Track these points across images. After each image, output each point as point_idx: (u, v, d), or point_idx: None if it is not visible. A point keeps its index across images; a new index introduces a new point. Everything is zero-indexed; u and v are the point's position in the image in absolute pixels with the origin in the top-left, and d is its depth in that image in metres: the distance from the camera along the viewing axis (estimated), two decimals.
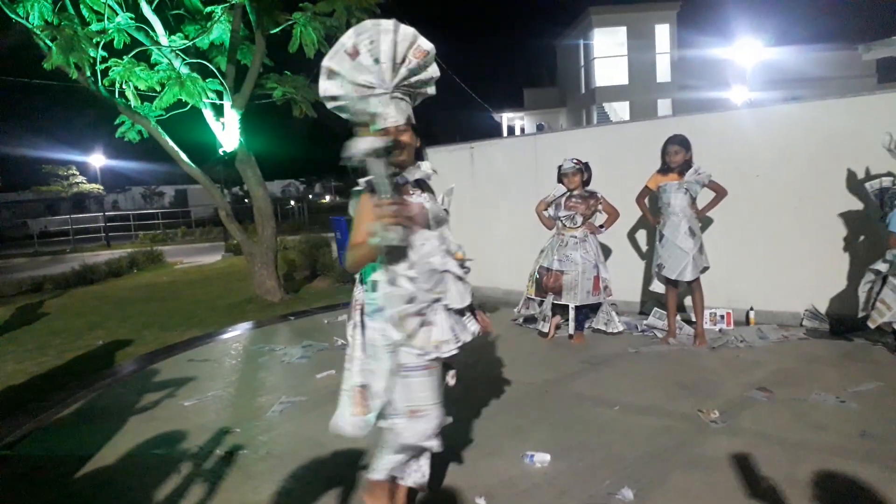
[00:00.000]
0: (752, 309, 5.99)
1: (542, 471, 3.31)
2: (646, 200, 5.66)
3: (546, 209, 5.81)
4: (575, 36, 28.56)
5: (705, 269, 5.38)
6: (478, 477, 3.26)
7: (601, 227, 5.71)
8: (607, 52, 26.66)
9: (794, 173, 5.84)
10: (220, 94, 8.44)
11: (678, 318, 5.80)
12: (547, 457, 3.41)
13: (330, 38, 8.14)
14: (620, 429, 3.80)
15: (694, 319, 5.64)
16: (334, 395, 4.66)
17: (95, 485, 3.47)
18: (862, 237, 5.52)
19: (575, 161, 5.64)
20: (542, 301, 5.85)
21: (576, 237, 5.63)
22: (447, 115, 37.10)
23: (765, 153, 5.96)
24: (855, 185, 5.52)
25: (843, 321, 5.50)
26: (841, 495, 2.89)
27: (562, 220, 5.69)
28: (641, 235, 6.80)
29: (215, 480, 3.38)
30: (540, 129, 27.68)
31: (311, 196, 49.73)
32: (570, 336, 5.80)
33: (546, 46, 33.95)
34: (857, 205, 5.54)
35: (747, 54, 21.58)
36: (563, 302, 5.68)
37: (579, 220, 5.62)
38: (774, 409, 3.97)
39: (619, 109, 27.03)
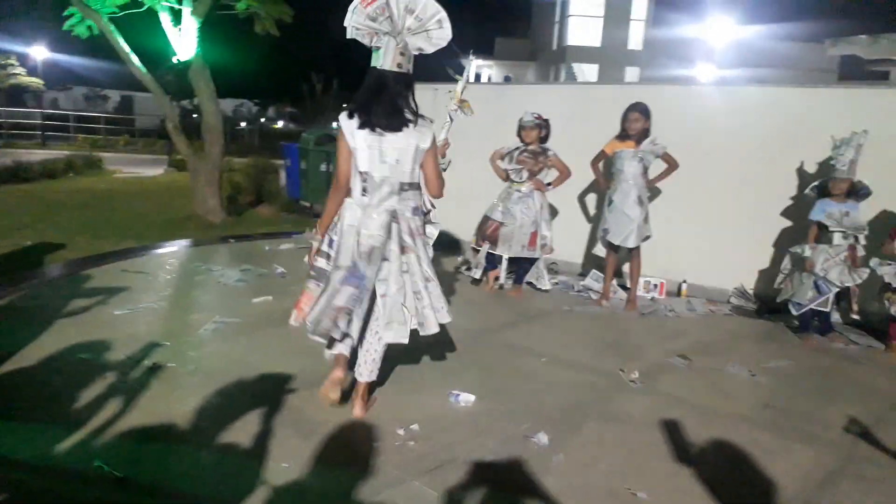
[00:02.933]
0: (684, 281, 6.22)
1: (466, 410, 3.43)
2: (600, 165, 5.74)
3: (500, 160, 5.83)
4: None
5: (647, 237, 5.54)
6: (403, 410, 3.34)
7: (549, 184, 5.77)
8: (583, 10, 26.39)
9: (742, 155, 6.00)
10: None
11: (614, 282, 5.98)
12: (471, 397, 3.52)
13: None
14: (545, 379, 3.95)
15: (629, 285, 5.83)
16: (269, 319, 4.70)
17: (17, 382, 3.41)
18: (796, 225, 5.74)
19: (536, 115, 5.65)
20: (480, 249, 5.95)
21: (521, 191, 5.70)
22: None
23: (720, 132, 6.09)
24: (799, 174, 5.71)
25: (767, 302, 5.78)
26: (738, 458, 3.10)
27: (510, 174, 5.74)
28: (591, 199, 6.91)
29: (140, 389, 3.37)
30: (507, 80, 27.44)
31: (263, 119, 48.29)
32: (501, 286, 5.95)
33: None
34: (797, 193, 5.75)
35: (717, 32, 21.76)
36: (497, 252, 5.79)
37: (525, 174, 5.68)
38: (691, 375, 4.19)
39: (588, 71, 26.97)
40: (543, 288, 5.97)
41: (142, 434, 2.93)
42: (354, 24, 3.03)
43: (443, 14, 3.05)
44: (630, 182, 5.42)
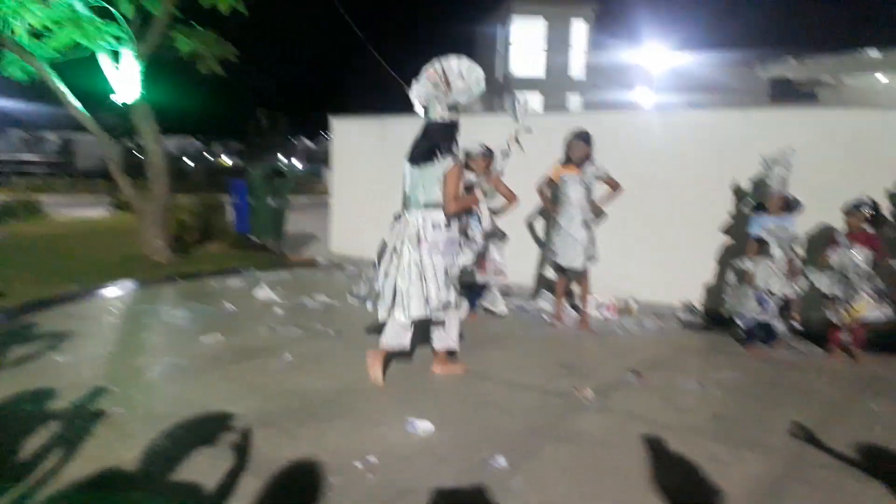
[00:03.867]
0: (633, 299, 6.35)
1: (424, 439, 3.41)
2: (546, 190, 5.85)
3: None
4: (493, 21, 28.80)
5: (594, 259, 5.66)
6: (360, 442, 3.31)
7: (497, 212, 5.84)
8: (524, 41, 27.06)
9: (683, 176, 6.21)
10: (120, 40, 7.94)
11: (565, 303, 6.07)
12: (429, 425, 3.51)
13: None
14: (502, 403, 3.96)
15: (580, 305, 5.92)
16: (219, 358, 4.62)
17: None
18: (737, 241, 5.95)
19: (483, 146, 5.73)
20: None
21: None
22: (362, 87, 36.62)
23: (661, 155, 6.30)
24: (736, 192, 5.94)
25: (714, 316, 5.94)
26: (692, 470, 3.15)
27: None
28: (539, 223, 7.02)
29: (86, 437, 3.25)
30: None
31: (209, 156, 47.68)
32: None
33: (464, 28, 33.98)
34: (736, 210, 5.96)
35: (655, 59, 22.55)
36: None
37: None
38: (644, 391, 4.26)
39: (533, 100, 27.56)
40: (500, 312, 6.01)
41: (88, 483, 2.82)
42: (419, 92, 4.11)
43: (481, 74, 4.11)
44: (575, 206, 5.55)
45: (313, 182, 31.33)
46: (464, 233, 4.66)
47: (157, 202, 8.42)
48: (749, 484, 3.02)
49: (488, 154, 5.72)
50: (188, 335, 5.20)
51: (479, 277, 5.79)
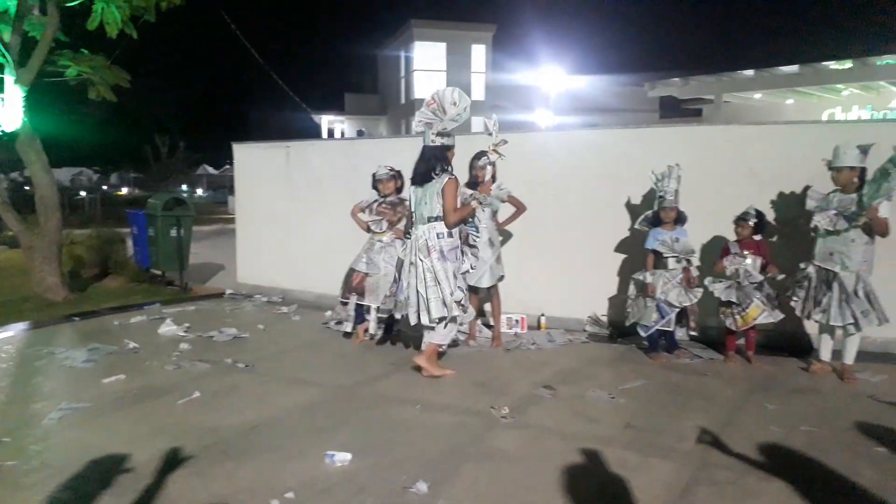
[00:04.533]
0: (543, 315, 6.53)
1: (342, 469, 3.37)
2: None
3: (361, 212, 5.97)
4: (396, 46, 29.13)
5: (502, 277, 5.81)
6: (278, 479, 3.23)
7: (407, 233, 5.87)
8: (427, 65, 27.49)
9: (584, 193, 6.47)
10: (1, 68, 7.50)
11: (478, 321, 6.17)
12: (348, 456, 3.47)
13: (136, 19, 7.59)
14: (420, 426, 3.97)
15: (492, 323, 6.03)
16: (122, 400, 4.41)
17: None
18: (637, 254, 6.23)
19: (389, 168, 5.84)
20: (348, 302, 5.94)
21: (382, 242, 5.83)
22: (264, 113, 36.00)
23: (562, 173, 6.54)
24: (631, 207, 6.24)
25: (619, 327, 6.19)
26: (606, 479, 3.28)
27: (370, 225, 5.87)
28: None
29: None
30: (360, 134, 27.84)
31: (105, 187, 45.34)
32: (372, 337, 5.94)
33: (368, 53, 34.22)
34: (632, 225, 6.25)
35: (551, 81, 23.41)
36: (365, 303, 5.80)
37: (385, 225, 5.82)
38: (557, 404, 4.39)
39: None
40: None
41: None
42: (420, 118, 4.84)
43: (469, 101, 4.84)
44: (481, 225, 5.68)
45: (217, 210, 30.46)
46: (466, 241, 5.12)
47: (49, 238, 7.95)
48: (658, 490, 3.15)
49: (395, 176, 5.85)
50: (88, 377, 4.92)
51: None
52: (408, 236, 5.04)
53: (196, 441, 3.70)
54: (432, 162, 4.82)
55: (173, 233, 8.78)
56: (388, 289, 5.62)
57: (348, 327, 6.01)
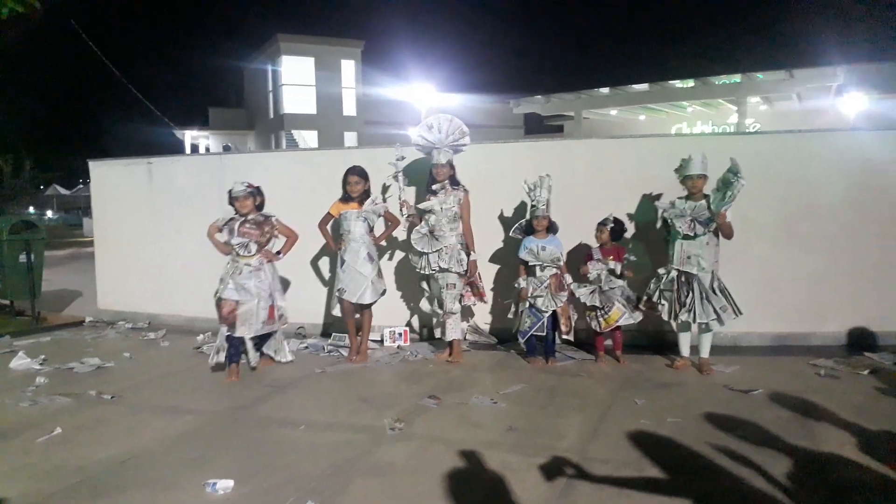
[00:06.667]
0: (426, 326, 6.59)
1: (226, 497, 3.24)
2: (328, 227, 5.89)
3: (219, 232, 5.52)
4: (263, 60, 28.46)
5: (384, 291, 5.81)
6: None
7: (279, 253, 5.62)
8: (296, 79, 27.07)
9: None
10: None
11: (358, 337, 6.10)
12: (230, 483, 3.33)
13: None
14: (305, 447, 3.89)
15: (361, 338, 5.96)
16: None
17: None
18: (514, 263, 6.44)
19: (246, 185, 5.46)
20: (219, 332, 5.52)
21: (250, 265, 5.40)
22: (122, 128, 33.81)
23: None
24: (504, 218, 6.46)
25: (500, 335, 6.38)
26: (492, 483, 3.36)
27: (235, 248, 5.44)
28: (324, 261, 6.98)
29: None
30: (227, 150, 26.81)
31: None
32: (253, 368, 5.55)
33: (233, 67, 33.14)
34: (505, 235, 6.48)
35: (423, 97, 23.79)
36: (237, 334, 5.34)
37: (254, 247, 5.41)
38: (442, 413, 4.45)
39: (308, 137, 27.56)
40: (284, 360, 5.79)
41: None
42: (418, 141, 5.78)
43: (459, 123, 5.83)
44: (359, 241, 5.66)
45: (71, 233, 28.26)
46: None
47: None
48: (542, 489, 3.28)
49: (254, 193, 5.48)
50: None
51: (267, 327, 5.52)
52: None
53: (61, 481, 3.42)
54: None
55: (22, 258, 8.04)
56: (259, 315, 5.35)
57: (221, 357, 5.46)
